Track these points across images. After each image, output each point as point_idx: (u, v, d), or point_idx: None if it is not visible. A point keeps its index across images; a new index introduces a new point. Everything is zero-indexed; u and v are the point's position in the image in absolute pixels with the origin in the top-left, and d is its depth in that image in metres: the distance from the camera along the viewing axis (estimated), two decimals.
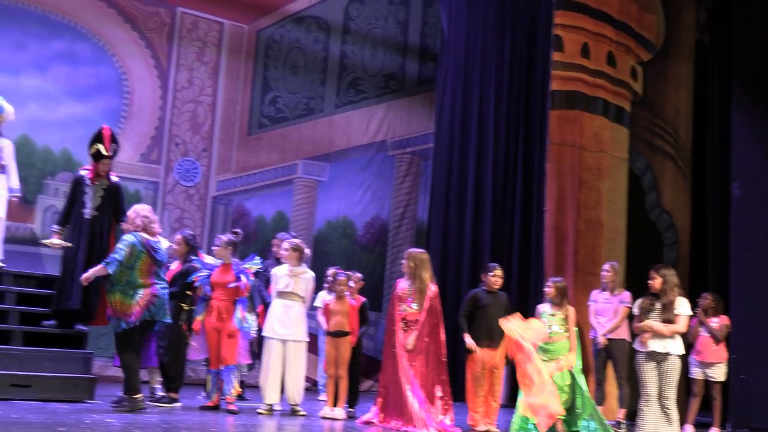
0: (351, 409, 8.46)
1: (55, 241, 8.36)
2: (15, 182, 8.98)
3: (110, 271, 7.43)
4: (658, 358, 6.81)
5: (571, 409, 7.65)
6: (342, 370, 8.28)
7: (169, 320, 7.77)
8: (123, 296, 7.45)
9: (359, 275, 9.17)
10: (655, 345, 6.81)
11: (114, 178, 8.58)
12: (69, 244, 8.32)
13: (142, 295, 7.46)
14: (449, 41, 12.53)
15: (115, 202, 8.54)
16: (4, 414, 6.58)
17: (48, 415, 6.76)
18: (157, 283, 7.60)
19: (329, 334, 8.37)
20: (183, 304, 8.23)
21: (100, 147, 8.40)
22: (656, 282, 6.90)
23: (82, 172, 8.54)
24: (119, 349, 7.61)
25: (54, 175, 11.30)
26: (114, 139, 8.55)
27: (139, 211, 7.74)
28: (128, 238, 7.55)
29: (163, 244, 7.98)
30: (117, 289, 7.46)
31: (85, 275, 7.71)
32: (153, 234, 7.71)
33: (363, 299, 8.72)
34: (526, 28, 12.11)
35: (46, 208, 11.21)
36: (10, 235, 9.96)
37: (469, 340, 7.92)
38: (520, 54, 12.10)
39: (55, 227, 8.48)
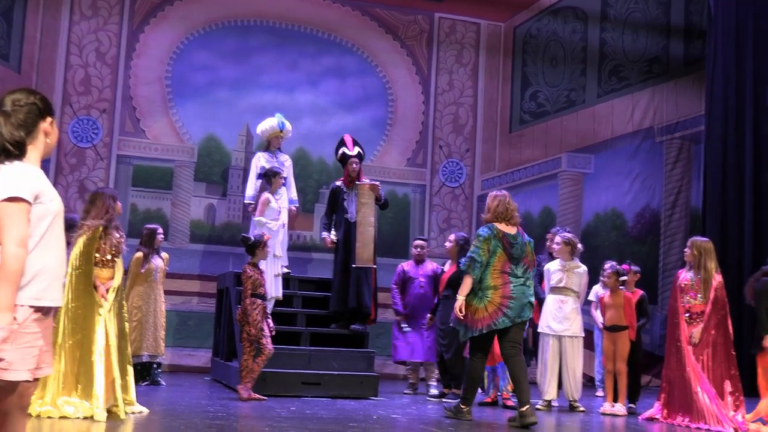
0: (632, 405, 8.20)
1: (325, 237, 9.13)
2: (294, 194, 9.99)
3: (473, 276, 6.64)
4: None
5: None
6: (620, 365, 8.04)
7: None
8: (472, 296, 6.68)
9: (636, 268, 8.81)
10: None
11: (365, 181, 9.01)
12: (335, 237, 8.93)
13: (491, 299, 6.63)
14: (717, 16, 11.84)
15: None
16: (298, 410, 7.02)
17: (338, 411, 7.13)
18: (510, 282, 6.67)
19: (606, 328, 8.16)
20: None
21: (344, 149, 9.14)
22: None
23: (338, 183, 9.25)
24: (469, 353, 7.05)
25: (329, 184, 11.88)
26: (356, 143, 9.09)
27: (500, 197, 6.87)
28: (482, 231, 6.77)
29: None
30: None
31: (457, 304, 6.73)
32: (515, 224, 6.82)
33: (641, 292, 8.42)
34: None
35: (322, 217, 11.83)
36: (291, 243, 10.65)
37: None
38: None
39: (324, 234, 9.25)
